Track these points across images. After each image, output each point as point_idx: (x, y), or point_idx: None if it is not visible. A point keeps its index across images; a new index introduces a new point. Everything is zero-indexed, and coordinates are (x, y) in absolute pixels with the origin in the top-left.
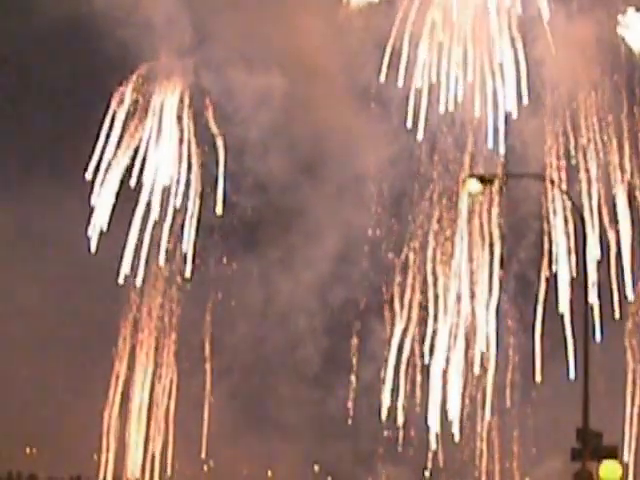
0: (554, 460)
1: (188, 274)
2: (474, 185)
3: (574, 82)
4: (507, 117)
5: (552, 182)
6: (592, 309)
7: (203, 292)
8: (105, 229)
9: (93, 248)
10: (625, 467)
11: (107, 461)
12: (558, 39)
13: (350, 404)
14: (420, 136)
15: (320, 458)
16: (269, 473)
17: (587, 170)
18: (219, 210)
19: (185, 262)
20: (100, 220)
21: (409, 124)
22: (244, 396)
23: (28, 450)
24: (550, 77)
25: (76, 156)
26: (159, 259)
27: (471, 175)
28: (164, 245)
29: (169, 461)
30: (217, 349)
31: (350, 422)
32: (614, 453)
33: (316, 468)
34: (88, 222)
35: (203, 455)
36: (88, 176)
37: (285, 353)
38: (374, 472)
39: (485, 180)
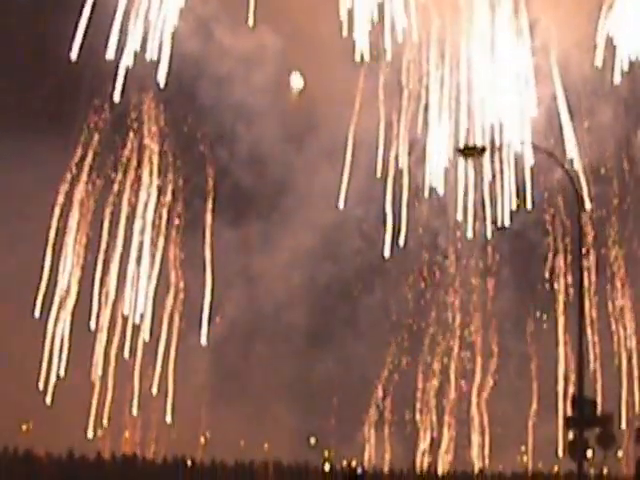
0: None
1: None
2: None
3: None
4: None
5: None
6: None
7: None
8: None
9: None
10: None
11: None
12: None
13: None
14: None
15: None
16: (265, 446)
17: None
18: None
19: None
20: None
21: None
22: (238, 372)
23: (24, 427)
24: None
25: None
26: None
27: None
28: None
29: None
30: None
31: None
32: (609, 421)
33: (312, 441)
34: None
35: (201, 426)
36: None
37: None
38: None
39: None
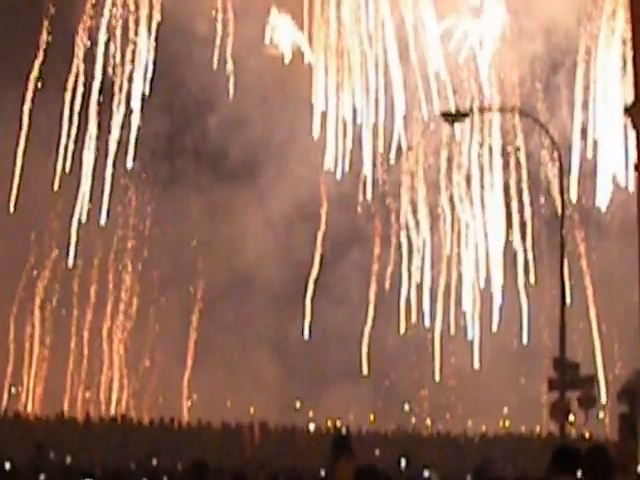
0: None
1: None
2: None
3: None
4: None
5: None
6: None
7: None
8: None
9: None
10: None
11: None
12: None
13: None
14: None
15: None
16: (251, 410)
17: None
18: None
19: None
20: None
21: None
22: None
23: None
24: None
25: None
26: None
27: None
28: None
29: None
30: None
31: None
32: (590, 383)
33: (297, 404)
34: None
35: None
36: None
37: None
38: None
39: (459, 114)
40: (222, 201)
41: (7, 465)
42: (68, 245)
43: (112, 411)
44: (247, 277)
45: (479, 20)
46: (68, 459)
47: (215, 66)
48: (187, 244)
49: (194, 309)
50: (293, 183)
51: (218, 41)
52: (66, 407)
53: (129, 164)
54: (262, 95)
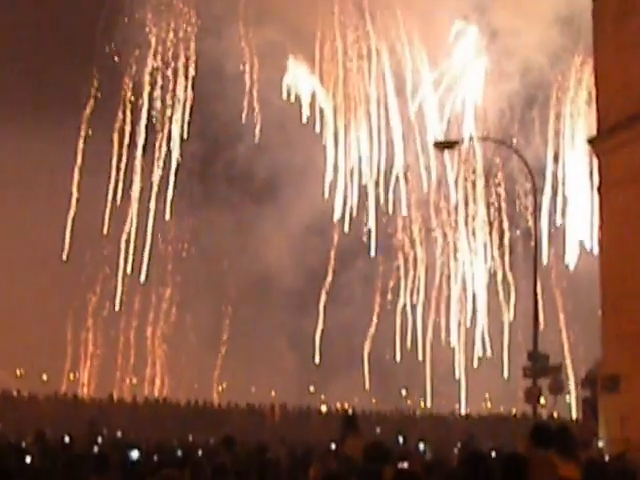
0: None
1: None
2: None
3: None
4: None
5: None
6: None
7: None
8: None
9: None
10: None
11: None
12: None
13: None
14: None
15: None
16: (272, 393)
17: None
18: None
19: None
20: None
21: None
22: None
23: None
24: None
25: None
26: None
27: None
28: None
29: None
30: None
31: None
32: (558, 371)
33: (312, 389)
34: None
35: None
36: None
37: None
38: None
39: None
40: (248, 217)
41: (67, 438)
42: (117, 268)
43: (155, 394)
44: (268, 281)
45: (467, 67)
46: (118, 434)
47: (244, 102)
48: (219, 254)
49: (225, 310)
50: (309, 202)
51: (247, 81)
52: (116, 392)
53: (169, 193)
54: (283, 126)
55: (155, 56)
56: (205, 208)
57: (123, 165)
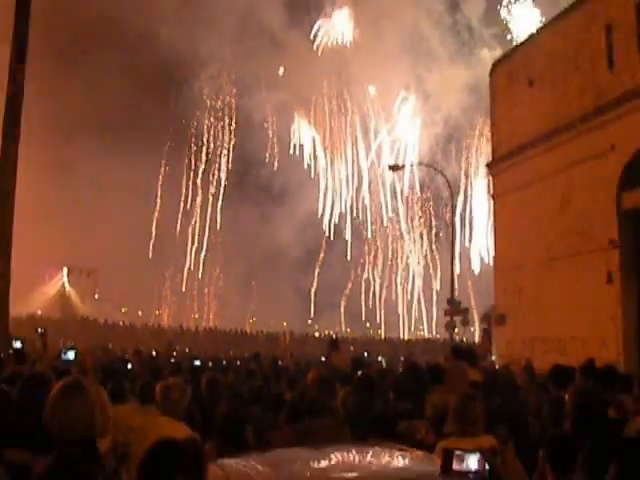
0: None
1: None
2: None
3: None
4: None
5: (435, 168)
6: None
7: None
8: None
9: None
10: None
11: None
12: None
13: None
14: None
15: None
16: (284, 324)
17: None
18: None
19: None
20: None
21: None
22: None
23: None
24: None
25: None
26: None
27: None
28: None
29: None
30: None
31: None
32: (467, 311)
33: (309, 322)
34: None
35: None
36: None
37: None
38: None
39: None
40: (269, 213)
41: (154, 353)
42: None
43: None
44: (281, 254)
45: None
46: (186, 350)
47: (268, 143)
48: (247, 240)
49: (253, 272)
50: (309, 205)
51: (269, 128)
52: (184, 323)
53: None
54: (292, 158)
55: (209, 113)
56: (241, 207)
57: (190, 185)
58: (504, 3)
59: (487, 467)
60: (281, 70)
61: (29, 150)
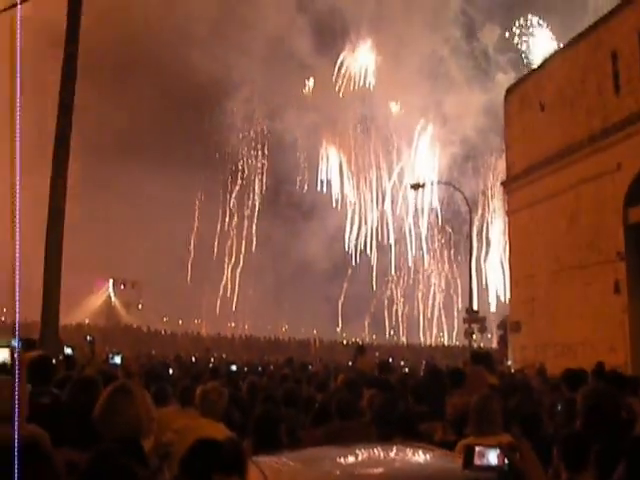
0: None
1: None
2: None
3: None
4: None
5: (453, 186)
6: None
7: None
8: None
9: None
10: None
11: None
12: None
13: None
14: None
15: None
16: (314, 331)
17: None
18: None
19: None
20: None
21: None
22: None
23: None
24: None
25: None
26: None
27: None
28: None
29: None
30: None
31: None
32: (484, 320)
33: (338, 330)
34: None
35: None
36: None
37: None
38: None
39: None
40: (299, 230)
41: (193, 359)
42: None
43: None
44: (310, 268)
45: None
46: (224, 355)
47: (300, 162)
48: (279, 252)
49: (284, 283)
50: (336, 222)
51: (298, 149)
52: (222, 331)
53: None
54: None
55: (242, 135)
56: (273, 224)
57: (228, 206)
58: (517, 30)
59: (507, 462)
60: (308, 90)
61: (76, 167)
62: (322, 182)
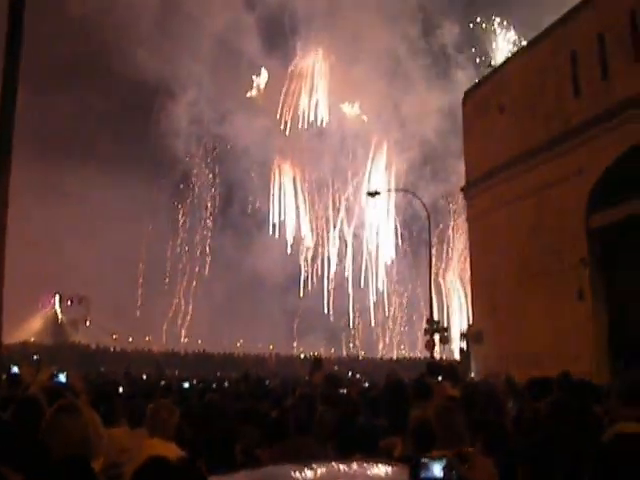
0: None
1: None
2: None
3: None
4: None
5: (412, 193)
6: None
7: None
8: None
9: None
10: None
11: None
12: None
13: None
14: None
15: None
16: (270, 346)
17: None
18: None
19: None
20: None
21: None
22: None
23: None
24: None
25: None
26: None
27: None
28: None
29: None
30: None
31: None
32: (446, 330)
33: (295, 344)
34: None
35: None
36: None
37: None
38: None
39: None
40: (253, 243)
41: (144, 376)
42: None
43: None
44: (261, 279)
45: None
46: (176, 372)
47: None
48: (233, 265)
49: (236, 296)
50: (291, 233)
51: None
52: (174, 347)
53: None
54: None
55: (191, 143)
56: (226, 234)
57: (178, 215)
58: (477, 27)
59: (454, 473)
60: (258, 92)
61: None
62: (274, 196)
